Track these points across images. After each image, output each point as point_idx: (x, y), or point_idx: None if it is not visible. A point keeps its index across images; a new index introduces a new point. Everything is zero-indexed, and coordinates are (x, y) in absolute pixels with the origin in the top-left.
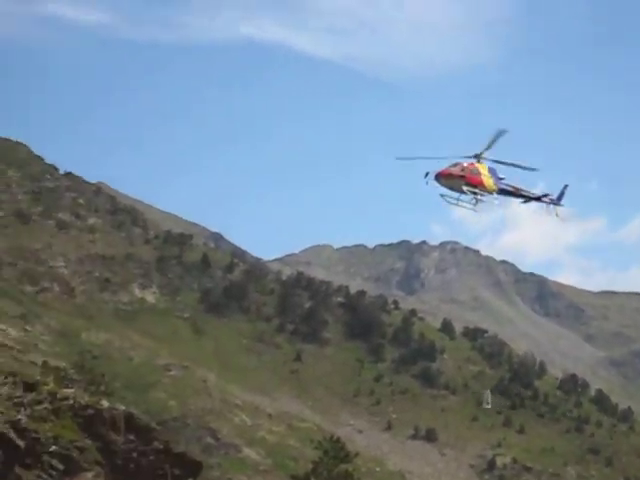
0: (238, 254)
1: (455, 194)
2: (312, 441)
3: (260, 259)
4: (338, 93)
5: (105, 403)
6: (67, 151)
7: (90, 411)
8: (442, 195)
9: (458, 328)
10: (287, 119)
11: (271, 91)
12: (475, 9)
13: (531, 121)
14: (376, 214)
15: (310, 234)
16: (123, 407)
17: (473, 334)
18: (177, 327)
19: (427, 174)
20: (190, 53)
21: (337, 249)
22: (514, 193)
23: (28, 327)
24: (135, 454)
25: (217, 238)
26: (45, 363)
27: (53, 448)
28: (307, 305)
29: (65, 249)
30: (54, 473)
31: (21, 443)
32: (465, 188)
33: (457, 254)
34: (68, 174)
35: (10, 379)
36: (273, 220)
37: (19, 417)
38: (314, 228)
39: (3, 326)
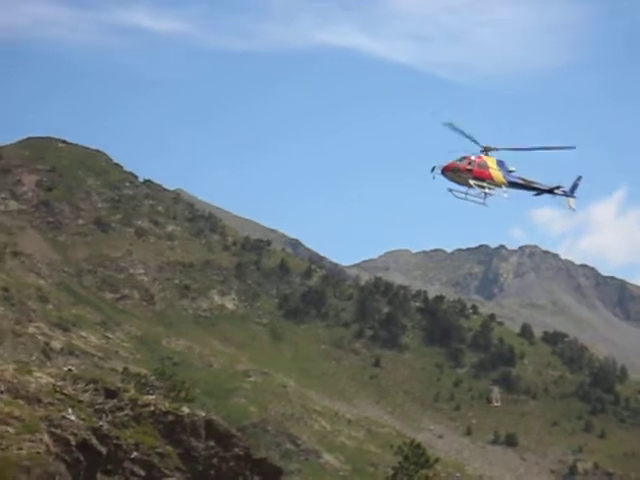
0: (316, 260)
1: (463, 188)
2: (392, 446)
3: (338, 265)
4: (416, 97)
5: (186, 409)
6: (146, 159)
7: (171, 417)
8: (450, 190)
9: (537, 333)
10: (365, 122)
11: (346, 95)
12: (557, 12)
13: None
14: (454, 218)
15: (388, 239)
16: (203, 413)
17: (553, 339)
18: (256, 333)
19: (434, 168)
20: (265, 60)
21: (415, 254)
22: (525, 186)
23: (109, 334)
24: (216, 460)
25: (295, 244)
26: (126, 370)
27: (134, 454)
28: (385, 310)
29: (144, 256)
30: (135, 479)
31: (103, 450)
32: (472, 182)
33: (536, 258)
34: (147, 182)
35: (91, 386)
36: (351, 225)
37: (101, 424)
38: (392, 233)
39: (84, 333)
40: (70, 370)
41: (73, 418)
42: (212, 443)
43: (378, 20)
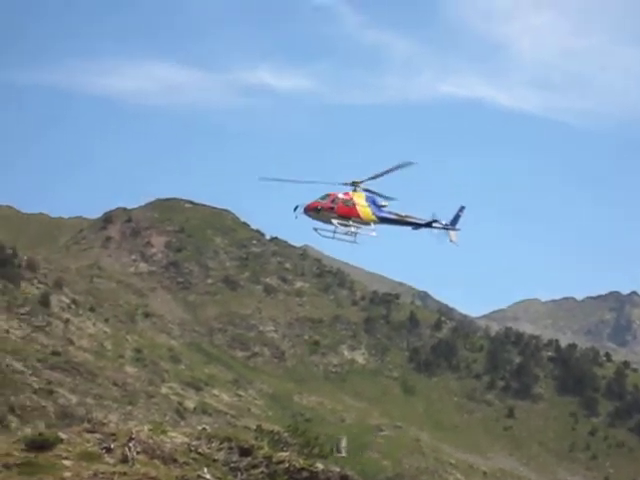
0: (445, 312)
1: (331, 227)
2: None
3: (467, 316)
4: (542, 145)
5: (320, 465)
6: (273, 217)
7: (305, 474)
8: (315, 229)
9: None
10: (488, 175)
11: (472, 146)
12: None
13: None
14: (583, 265)
15: (516, 289)
16: (338, 469)
17: None
18: (387, 387)
19: (296, 207)
20: (388, 113)
21: (544, 303)
22: (399, 221)
23: (241, 392)
24: None
25: (423, 296)
26: (259, 427)
27: None
28: (517, 361)
29: (274, 313)
30: None
31: None
32: (335, 221)
33: None
34: (274, 239)
35: (226, 444)
36: (479, 276)
37: None
38: (520, 282)
39: (216, 392)
40: (204, 429)
41: (209, 477)
42: None
43: (500, 69)
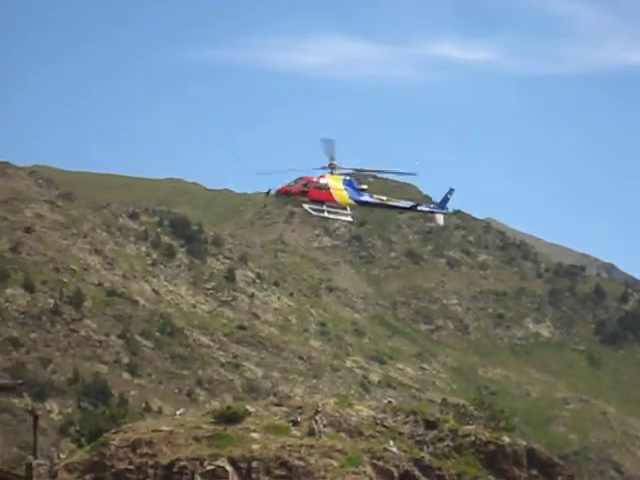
0: (632, 284)
1: (322, 208)
2: None
3: None
4: None
5: (506, 439)
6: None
7: (492, 447)
8: (305, 207)
9: None
10: None
11: None
12: None
13: None
14: None
15: None
16: (524, 442)
17: None
18: (573, 360)
19: (269, 191)
20: (574, 83)
21: None
22: (380, 204)
23: (425, 365)
24: None
25: (609, 268)
26: (444, 401)
27: None
28: None
29: (457, 287)
30: None
31: None
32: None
33: None
34: (457, 212)
35: (411, 418)
36: None
37: (422, 455)
38: None
39: (401, 365)
40: (389, 402)
41: (395, 450)
42: (534, 472)
43: None
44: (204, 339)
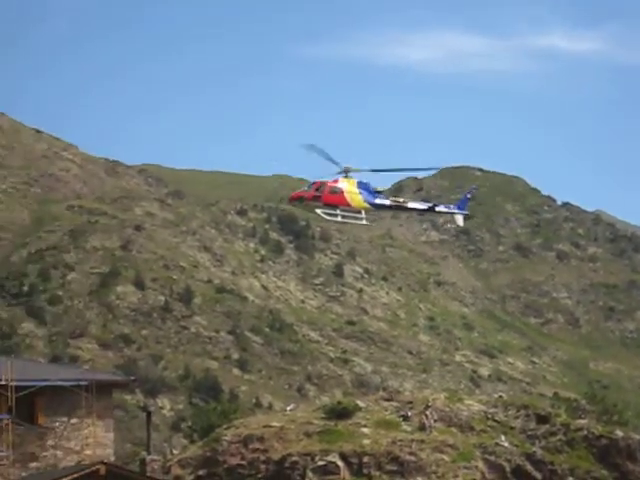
0: None
1: (336, 212)
2: None
3: None
4: None
5: (619, 433)
6: (563, 182)
7: (604, 441)
8: (318, 212)
9: None
10: None
11: None
12: None
13: None
14: None
15: None
16: (638, 436)
17: None
18: None
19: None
20: None
21: None
22: (397, 207)
23: (535, 359)
24: None
25: None
26: (555, 394)
27: (570, 479)
28: None
29: (567, 279)
30: None
31: (538, 475)
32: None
33: None
34: (565, 204)
35: (522, 412)
36: None
37: (534, 449)
38: None
39: (510, 359)
40: (500, 397)
41: (506, 445)
42: None
43: None
44: (313, 334)
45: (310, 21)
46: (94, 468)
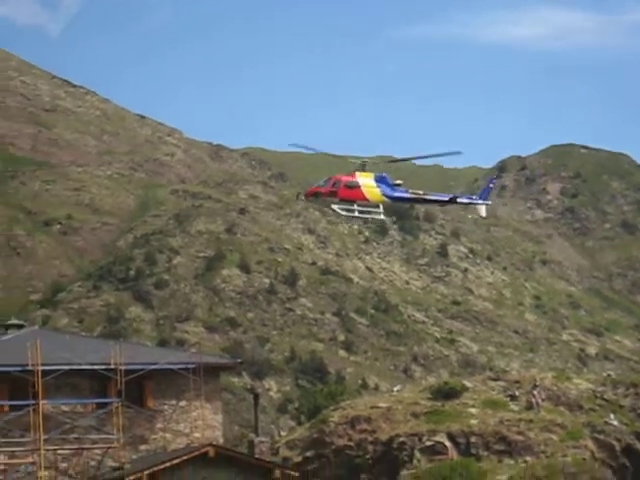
0: None
1: (353, 207)
2: None
3: None
4: None
5: None
6: None
7: None
8: (332, 208)
9: None
10: None
11: None
12: None
13: None
14: None
15: None
16: None
17: None
18: None
19: (298, 194)
20: None
21: None
22: (417, 200)
23: None
24: None
25: None
26: None
27: None
28: None
29: None
30: None
31: None
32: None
33: None
34: None
35: (631, 390)
36: None
37: None
38: None
39: (618, 338)
40: (609, 375)
41: (616, 423)
42: None
43: None
44: (418, 315)
45: (408, 3)
46: (203, 450)
